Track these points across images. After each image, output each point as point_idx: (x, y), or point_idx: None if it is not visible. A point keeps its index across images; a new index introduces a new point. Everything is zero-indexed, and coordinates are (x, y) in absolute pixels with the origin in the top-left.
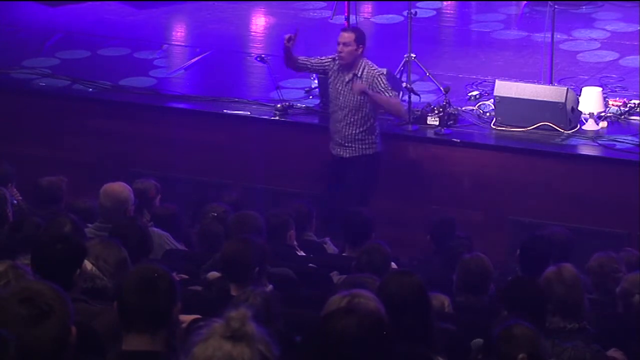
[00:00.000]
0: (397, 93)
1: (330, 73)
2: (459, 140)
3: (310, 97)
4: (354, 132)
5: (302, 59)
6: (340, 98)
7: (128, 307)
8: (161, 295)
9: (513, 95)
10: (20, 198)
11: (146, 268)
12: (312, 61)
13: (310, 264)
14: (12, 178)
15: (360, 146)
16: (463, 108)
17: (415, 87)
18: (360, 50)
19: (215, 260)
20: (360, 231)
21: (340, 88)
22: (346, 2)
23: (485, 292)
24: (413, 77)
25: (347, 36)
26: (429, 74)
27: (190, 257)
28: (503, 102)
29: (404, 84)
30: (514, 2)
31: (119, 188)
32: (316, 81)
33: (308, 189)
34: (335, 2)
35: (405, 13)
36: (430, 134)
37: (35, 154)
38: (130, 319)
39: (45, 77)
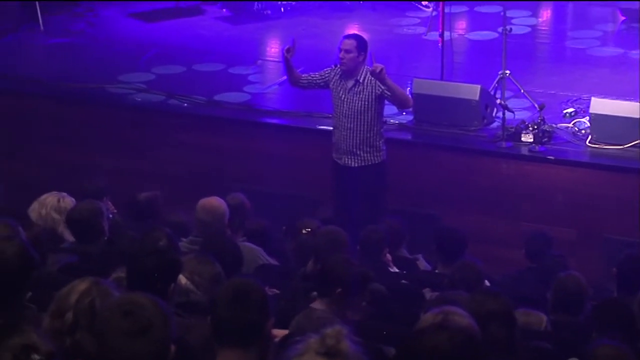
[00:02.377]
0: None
1: (331, 84)
2: (553, 158)
3: (404, 113)
4: (360, 139)
5: (304, 77)
6: (344, 106)
7: (221, 322)
8: (254, 310)
9: (609, 113)
10: (115, 211)
11: (239, 282)
12: (315, 76)
13: (403, 281)
14: (107, 192)
15: (366, 155)
16: (558, 125)
17: (509, 103)
18: (362, 57)
19: (306, 272)
20: (453, 248)
21: (343, 96)
22: (440, 18)
23: (580, 311)
24: (507, 93)
25: (349, 43)
26: (524, 90)
27: (283, 271)
28: (599, 120)
29: (498, 101)
30: (610, 18)
31: (216, 203)
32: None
33: (407, 206)
34: (430, 18)
35: (500, 29)
36: (524, 151)
37: (129, 167)
38: (223, 333)
39: (140, 92)
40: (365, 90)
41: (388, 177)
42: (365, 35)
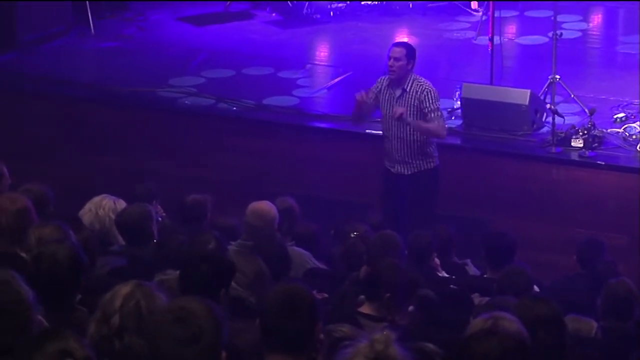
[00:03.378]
0: (442, 112)
1: (380, 95)
2: (603, 163)
3: (453, 117)
4: (411, 147)
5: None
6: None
7: (270, 327)
8: (303, 316)
9: None
10: (164, 215)
11: (289, 288)
12: (371, 104)
13: (452, 286)
14: (156, 195)
15: (419, 162)
16: (608, 130)
17: (559, 108)
18: (411, 65)
19: (357, 277)
20: (502, 253)
21: (392, 104)
22: (490, 23)
23: (630, 317)
24: (557, 98)
25: (398, 51)
26: (574, 95)
27: (331, 276)
28: None
29: (547, 106)
30: None
31: (267, 207)
32: (459, 102)
33: (456, 210)
34: (479, 22)
35: (550, 34)
36: (574, 156)
37: (178, 171)
38: (272, 339)
39: (190, 96)
40: (411, 99)
41: (439, 182)
42: (414, 40)
